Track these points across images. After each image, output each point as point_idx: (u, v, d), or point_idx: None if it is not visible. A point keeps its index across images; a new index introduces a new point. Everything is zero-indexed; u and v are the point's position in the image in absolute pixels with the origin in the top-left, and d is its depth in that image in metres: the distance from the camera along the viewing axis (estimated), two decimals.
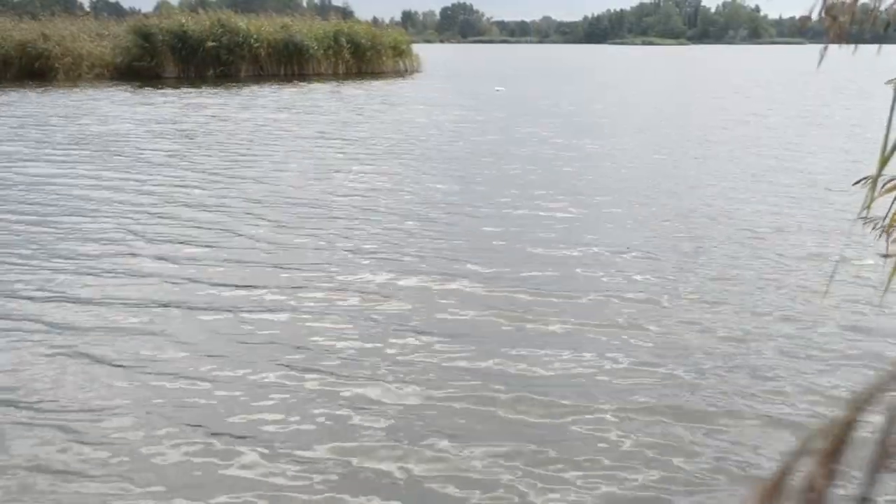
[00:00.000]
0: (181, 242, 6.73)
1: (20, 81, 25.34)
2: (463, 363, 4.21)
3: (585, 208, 7.98)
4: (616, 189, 9.05)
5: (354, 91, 23.70)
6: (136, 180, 9.64)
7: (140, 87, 24.30)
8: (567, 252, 6.36)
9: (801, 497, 0.39)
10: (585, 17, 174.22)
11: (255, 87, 24.30)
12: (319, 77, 29.06)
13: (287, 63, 29.82)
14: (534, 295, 5.29)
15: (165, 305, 5.16)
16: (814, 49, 2.19)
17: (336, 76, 29.87)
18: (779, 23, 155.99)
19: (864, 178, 2.34)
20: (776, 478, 0.40)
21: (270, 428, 3.52)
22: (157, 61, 27.65)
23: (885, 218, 2.42)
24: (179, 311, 5.07)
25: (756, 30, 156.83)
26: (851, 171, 9.07)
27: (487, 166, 10.61)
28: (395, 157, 11.44)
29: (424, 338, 4.57)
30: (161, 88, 23.60)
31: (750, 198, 8.48)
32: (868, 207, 2.05)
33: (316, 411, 3.69)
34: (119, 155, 11.64)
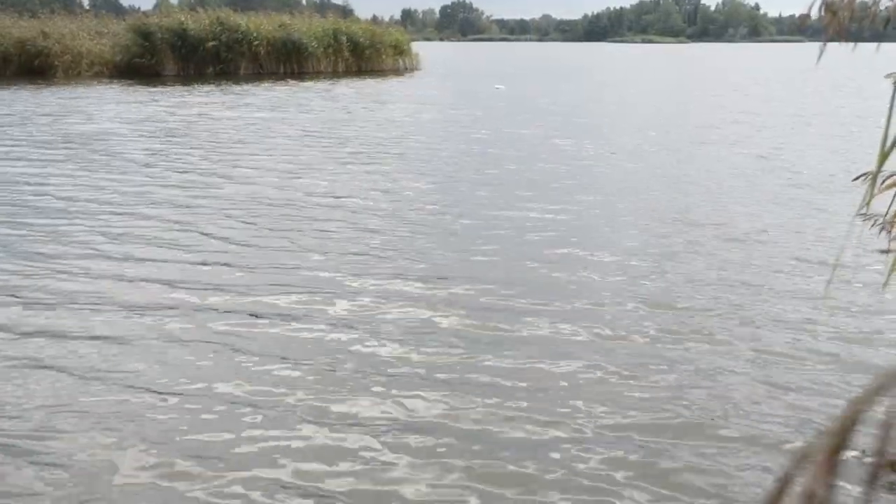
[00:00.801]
0: (143, 244, 6.55)
1: (20, 79, 25.33)
2: (442, 373, 4.02)
3: (573, 210, 7.75)
4: (609, 190, 9.04)
5: (346, 90, 23.50)
6: (109, 180, 9.47)
7: (133, 85, 24.24)
8: (550, 255, 6.17)
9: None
10: (585, 15, 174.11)
11: (246, 86, 24.13)
12: (318, 75, 29.04)
13: (286, 61, 29.82)
14: (514, 300, 5.11)
15: (126, 310, 4.97)
16: (813, 47, 2.19)
17: (335, 74, 29.86)
18: (779, 21, 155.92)
19: (864, 175, 2.35)
20: (776, 489, 0.40)
21: (245, 448, 3.31)
22: (157, 59, 27.66)
23: (885, 214, 2.43)
24: (134, 314, 4.88)
25: (756, 28, 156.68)
26: (843, 169, 9.07)
27: (472, 166, 10.37)
28: (375, 157, 11.25)
29: (402, 345, 4.39)
30: (155, 86, 23.52)
31: (744, 198, 8.49)
32: (868, 204, 2.06)
33: (294, 425, 3.52)
34: (96, 154, 11.47)
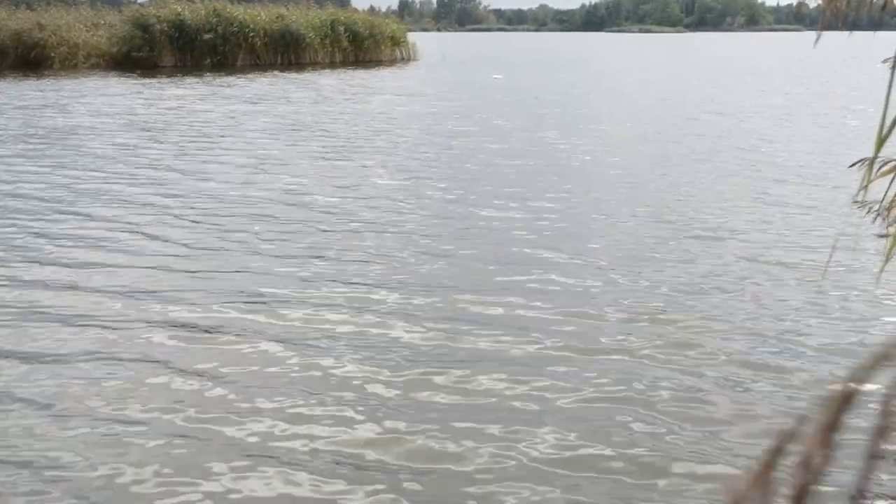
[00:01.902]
0: (86, 246, 6.28)
1: (16, 71, 25.24)
2: (398, 390, 3.74)
3: (550, 208, 7.38)
4: (604, 183, 9.05)
5: (331, 81, 23.01)
6: (64, 175, 9.22)
7: (123, 76, 24.01)
8: (526, 258, 5.86)
9: (796, 475, 0.38)
10: (582, 5, 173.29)
11: (230, 78, 23.53)
12: (315, 66, 28.97)
13: (283, 52, 29.75)
14: (476, 307, 4.81)
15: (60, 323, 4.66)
16: (811, 36, 2.20)
17: (332, 65, 29.79)
18: (776, 9, 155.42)
19: (860, 161, 2.38)
20: (765, 461, 0.39)
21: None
22: (154, 51, 27.58)
23: (881, 200, 2.45)
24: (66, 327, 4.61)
25: (753, 17, 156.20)
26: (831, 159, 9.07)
27: (449, 162, 10.05)
28: (348, 151, 10.85)
29: (366, 353, 4.18)
30: (146, 78, 23.33)
31: (739, 187, 8.51)
32: (864, 189, 2.08)
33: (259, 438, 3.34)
34: (56, 147, 11.22)
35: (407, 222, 6.98)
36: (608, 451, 3.21)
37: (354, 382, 3.84)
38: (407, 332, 4.45)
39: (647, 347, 4.24)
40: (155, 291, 5.19)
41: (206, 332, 4.51)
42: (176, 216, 7.26)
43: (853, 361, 3.66)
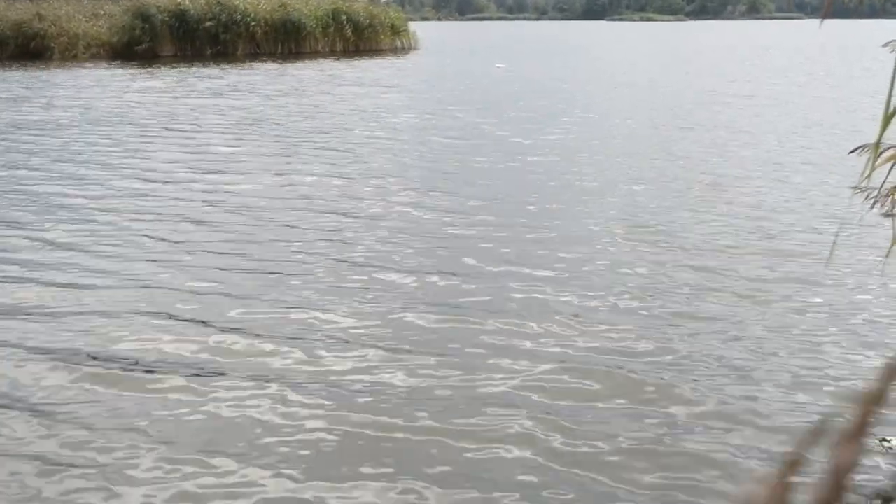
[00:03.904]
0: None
1: (16, 62, 25.21)
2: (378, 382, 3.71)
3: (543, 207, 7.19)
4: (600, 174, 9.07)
5: (300, 72, 22.22)
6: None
7: (115, 68, 23.64)
8: (497, 258, 5.59)
9: (821, 483, 0.37)
10: None
11: (206, 70, 22.73)
12: (315, 56, 28.88)
13: (284, 42, 29.65)
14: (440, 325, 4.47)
15: None
16: (812, 24, 2.21)
17: (333, 55, 29.70)
18: None
19: (860, 147, 2.40)
20: (786, 466, 0.39)
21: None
22: (154, 41, 27.50)
23: (882, 184, 2.48)
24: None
25: (755, 5, 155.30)
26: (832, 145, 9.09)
27: (422, 160, 9.57)
28: (312, 149, 10.22)
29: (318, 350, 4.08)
30: (138, 69, 23.04)
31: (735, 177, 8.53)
32: (868, 176, 2.11)
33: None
34: (13, 144, 10.87)
35: (338, 224, 6.68)
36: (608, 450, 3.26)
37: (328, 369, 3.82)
38: (338, 357, 4.07)
39: (645, 337, 4.28)
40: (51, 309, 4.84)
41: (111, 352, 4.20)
42: (90, 220, 6.88)
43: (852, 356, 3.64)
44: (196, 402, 3.61)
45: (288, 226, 6.66)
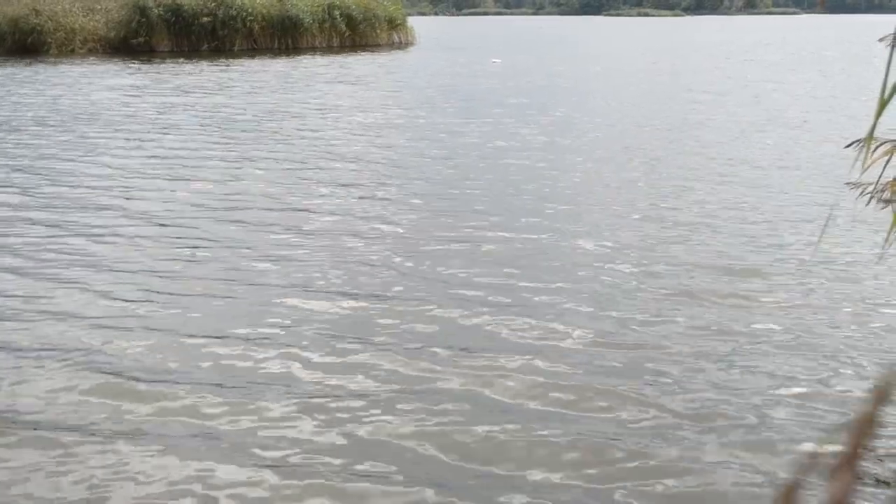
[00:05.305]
0: None
1: (12, 56, 25.14)
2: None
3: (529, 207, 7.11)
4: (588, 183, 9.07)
5: (282, 68, 21.60)
6: None
7: (103, 63, 23.40)
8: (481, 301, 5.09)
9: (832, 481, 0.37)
10: None
11: (178, 65, 22.20)
12: (313, 51, 28.82)
13: (281, 37, 29.57)
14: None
15: None
16: (809, 19, 2.23)
17: (330, 49, 29.63)
18: None
19: (856, 142, 2.43)
20: (786, 490, 0.39)
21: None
22: (151, 36, 27.44)
23: (876, 181, 2.50)
24: None
25: (751, 0, 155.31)
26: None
27: (402, 162, 9.12)
28: (267, 154, 9.72)
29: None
30: (117, 64, 22.87)
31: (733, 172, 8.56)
32: (864, 169, 2.13)
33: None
34: None
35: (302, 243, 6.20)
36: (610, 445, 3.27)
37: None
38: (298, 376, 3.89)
39: (645, 330, 4.30)
40: None
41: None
42: (30, 222, 6.76)
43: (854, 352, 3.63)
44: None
45: (244, 227, 6.49)
